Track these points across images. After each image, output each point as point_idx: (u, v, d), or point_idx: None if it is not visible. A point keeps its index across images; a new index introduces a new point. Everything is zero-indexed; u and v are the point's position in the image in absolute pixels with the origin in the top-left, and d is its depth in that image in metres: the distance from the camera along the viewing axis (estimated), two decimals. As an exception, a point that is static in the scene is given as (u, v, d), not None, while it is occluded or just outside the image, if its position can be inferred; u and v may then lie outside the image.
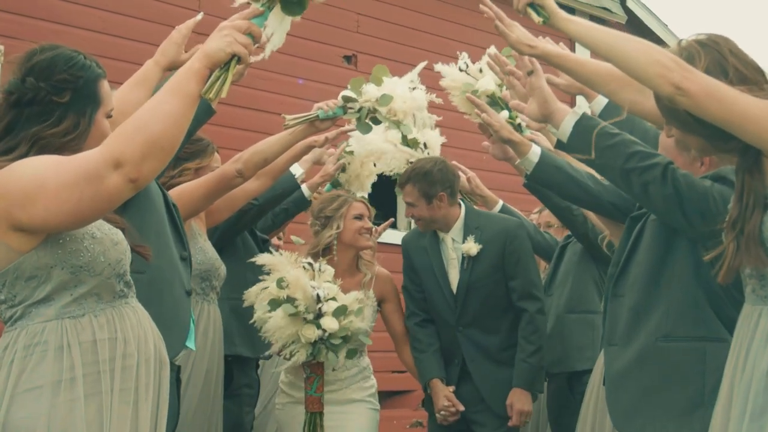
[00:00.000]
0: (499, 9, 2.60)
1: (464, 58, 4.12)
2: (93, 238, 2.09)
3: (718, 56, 2.19)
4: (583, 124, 2.59)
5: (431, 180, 3.83)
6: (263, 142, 3.65)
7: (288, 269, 3.59)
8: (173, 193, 3.29)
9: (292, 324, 3.54)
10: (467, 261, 3.88)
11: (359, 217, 3.90)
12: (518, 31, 2.56)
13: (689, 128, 2.25)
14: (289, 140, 3.62)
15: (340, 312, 3.56)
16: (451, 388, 3.88)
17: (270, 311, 3.56)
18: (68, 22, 5.58)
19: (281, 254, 3.73)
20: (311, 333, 3.52)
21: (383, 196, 5.38)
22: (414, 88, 3.93)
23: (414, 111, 3.90)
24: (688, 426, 2.48)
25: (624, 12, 8.92)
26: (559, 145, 2.78)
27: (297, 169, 4.10)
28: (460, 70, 4.10)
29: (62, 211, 1.94)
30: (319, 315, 3.54)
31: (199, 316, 3.58)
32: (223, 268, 3.77)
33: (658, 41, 9.07)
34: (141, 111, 1.99)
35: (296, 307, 3.52)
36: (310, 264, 3.65)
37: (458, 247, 3.93)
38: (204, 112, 3.02)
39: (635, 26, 9.11)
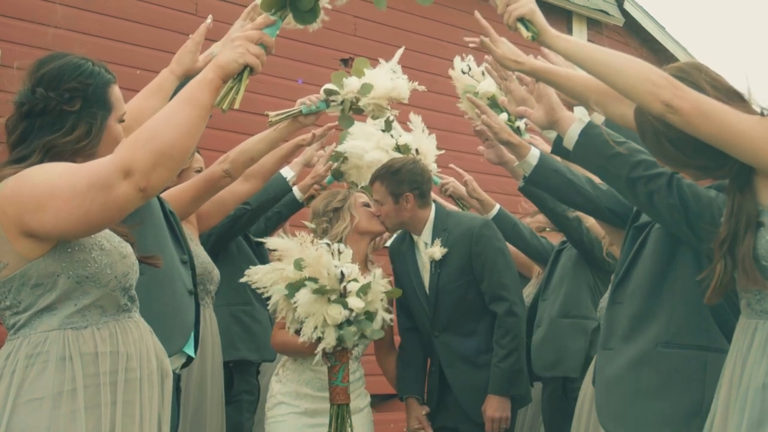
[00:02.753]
0: (487, 25, 2.59)
1: (468, 60, 4.12)
2: (101, 249, 2.09)
3: (693, 86, 2.17)
4: (589, 131, 2.58)
5: (399, 179, 3.78)
6: (248, 140, 3.62)
7: (306, 250, 3.41)
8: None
9: (318, 303, 3.36)
10: (434, 265, 3.80)
11: (367, 205, 3.85)
12: (504, 47, 2.55)
13: (679, 164, 2.26)
14: (274, 137, 3.60)
15: (364, 290, 3.41)
16: (425, 410, 3.84)
17: (289, 296, 3.38)
18: (66, 26, 5.57)
19: (295, 236, 3.51)
20: (337, 314, 3.35)
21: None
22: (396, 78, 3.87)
23: (395, 98, 3.83)
24: (685, 434, 2.47)
25: (621, 14, 8.89)
26: (556, 150, 2.77)
27: (288, 172, 4.10)
28: (463, 72, 4.10)
29: (72, 217, 1.94)
30: (343, 295, 3.39)
31: (195, 320, 3.57)
32: (216, 272, 3.77)
33: (656, 44, 9.11)
34: (153, 120, 1.99)
35: (320, 285, 3.33)
36: (328, 244, 3.51)
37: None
38: None
39: (633, 29, 9.08)
